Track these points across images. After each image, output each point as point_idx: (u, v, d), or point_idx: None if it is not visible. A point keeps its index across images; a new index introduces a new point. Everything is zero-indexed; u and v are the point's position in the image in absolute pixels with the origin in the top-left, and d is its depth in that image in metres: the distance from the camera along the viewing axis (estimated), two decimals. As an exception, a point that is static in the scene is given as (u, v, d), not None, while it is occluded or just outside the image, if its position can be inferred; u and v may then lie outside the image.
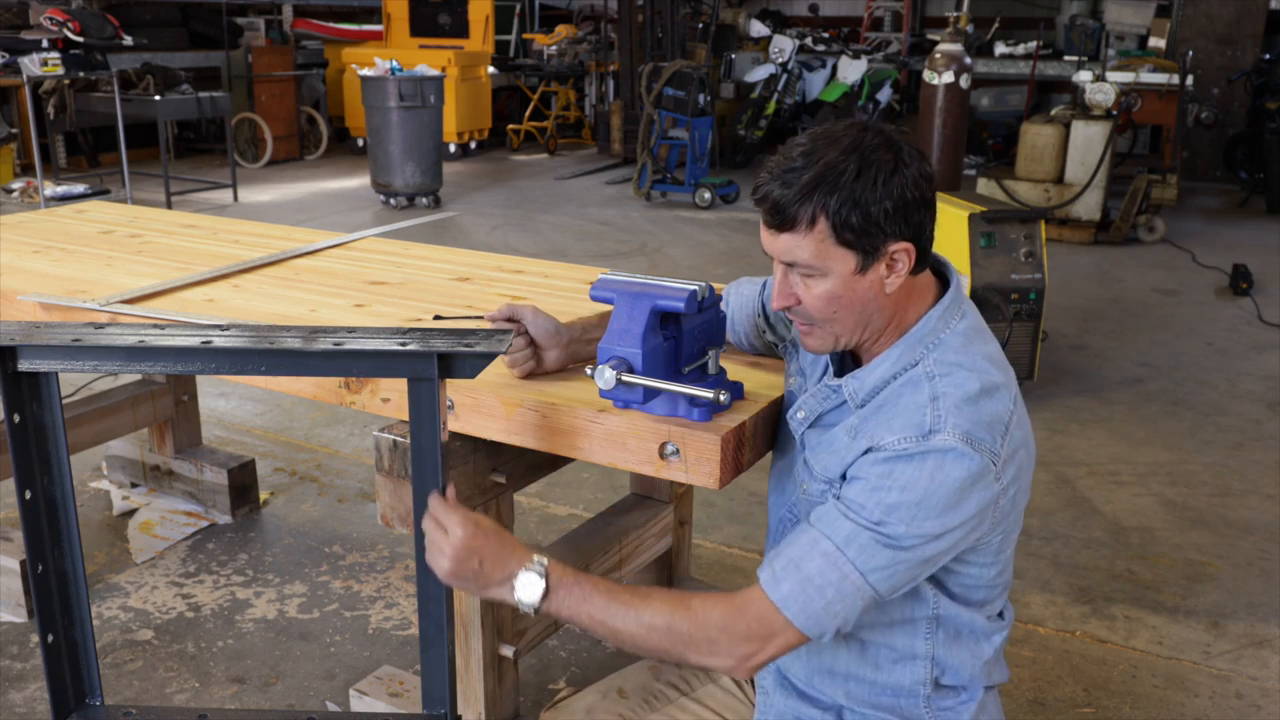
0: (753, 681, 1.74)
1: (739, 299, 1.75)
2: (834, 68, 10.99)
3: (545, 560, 1.37)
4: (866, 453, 1.35)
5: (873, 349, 1.44)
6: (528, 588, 1.36)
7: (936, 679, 1.49)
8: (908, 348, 1.39)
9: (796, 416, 1.51)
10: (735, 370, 1.71)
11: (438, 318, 2.07)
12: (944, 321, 1.41)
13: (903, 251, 1.35)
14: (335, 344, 1.40)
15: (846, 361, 1.51)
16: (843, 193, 1.29)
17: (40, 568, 1.48)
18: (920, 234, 1.36)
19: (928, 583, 1.43)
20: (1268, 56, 9.53)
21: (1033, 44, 10.74)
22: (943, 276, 1.47)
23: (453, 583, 1.40)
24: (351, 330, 1.45)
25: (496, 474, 1.84)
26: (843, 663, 1.52)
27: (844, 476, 1.38)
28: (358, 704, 2.25)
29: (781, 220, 1.32)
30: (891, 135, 1.34)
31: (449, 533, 1.38)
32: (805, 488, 1.47)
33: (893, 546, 1.31)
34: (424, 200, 8.54)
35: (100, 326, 1.44)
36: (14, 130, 9.04)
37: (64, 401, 1.50)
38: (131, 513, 3.34)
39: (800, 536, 1.35)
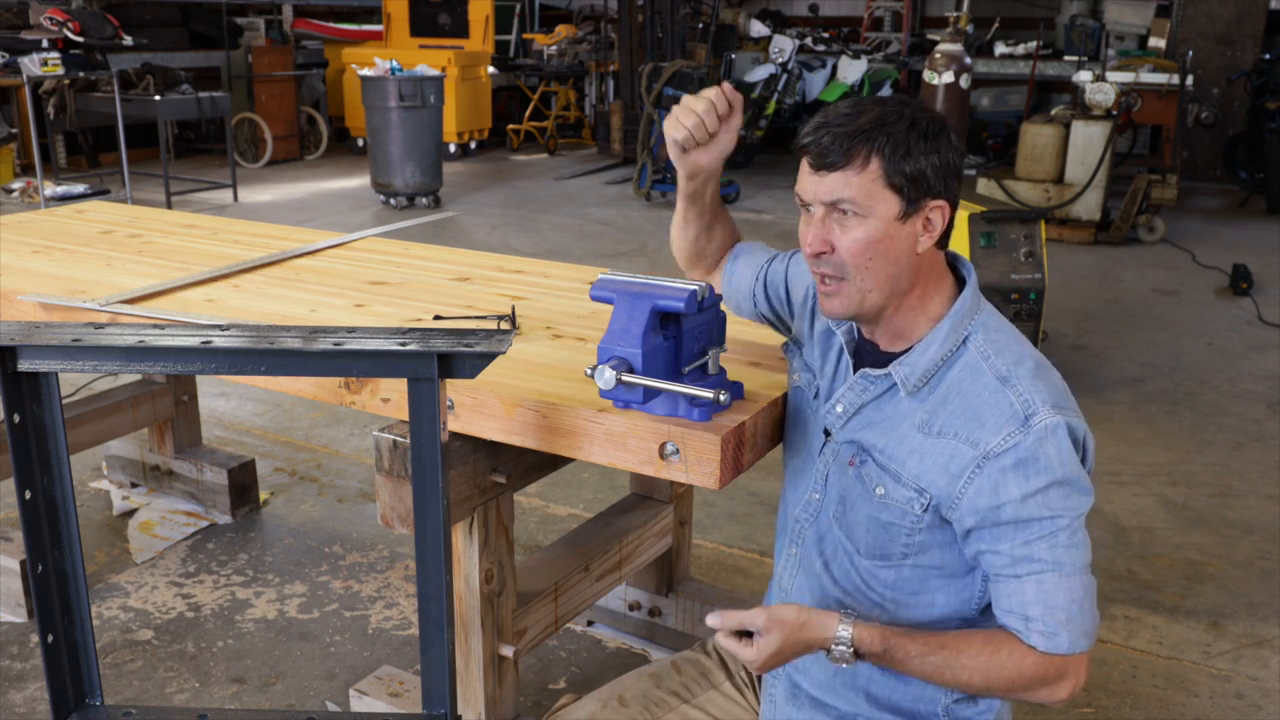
0: (755, 688, 1.74)
1: (747, 260, 1.78)
2: (834, 68, 11.00)
3: (849, 638, 1.38)
4: (979, 466, 1.36)
5: (894, 322, 1.44)
6: (839, 659, 1.39)
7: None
8: (952, 328, 1.42)
9: (835, 411, 1.50)
10: (735, 370, 1.71)
11: (438, 318, 2.07)
12: (976, 302, 1.46)
13: (939, 211, 1.40)
14: (335, 344, 1.39)
15: (862, 354, 1.51)
16: (896, 138, 1.35)
17: (40, 568, 1.48)
18: (953, 201, 1.41)
19: (983, 580, 1.46)
20: (1268, 56, 9.52)
21: (1033, 44, 10.74)
22: (956, 272, 1.50)
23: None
24: (351, 330, 1.45)
25: (496, 474, 1.84)
26: (865, 670, 1.52)
27: (952, 490, 1.39)
28: (358, 704, 2.25)
29: (834, 159, 1.36)
30: (932, 108, 1.42)
31: (743, 656, 1.40)
32: (882, 492, 1.45)
33: (1074, 526, 1.37)
34: (424, 200, 8.54)
35: (100, 326, 1.44)
36: (14, 130, 9.04)
37: (64, 401, 1.50)
38: (131, 513, 3.34)
39: (1024, 589, 1.37)
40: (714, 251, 1.81)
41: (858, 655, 1.38)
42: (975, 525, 1.38)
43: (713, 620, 1.40)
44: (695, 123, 1.58)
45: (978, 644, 1.39)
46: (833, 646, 1.38)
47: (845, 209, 1.37)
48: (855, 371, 1.50)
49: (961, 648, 1.38)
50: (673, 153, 1.63)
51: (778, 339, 1.91)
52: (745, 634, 1.40)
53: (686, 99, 1.59)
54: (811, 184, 1.40)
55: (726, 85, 1.60)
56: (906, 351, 1.45)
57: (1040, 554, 1.36)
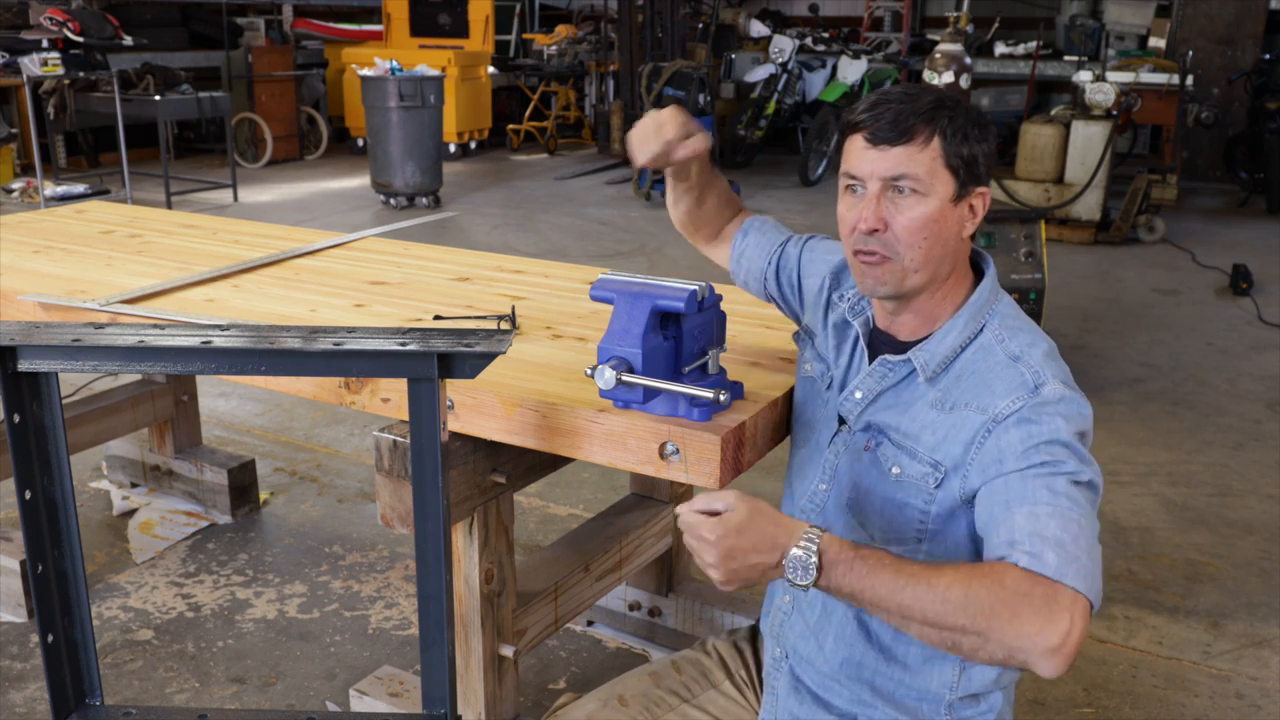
0: (755, 688, 1.74)
1: (758, 239, 1.78)
2: (834, 68, 10.99)
3: (817, 538, 1.24)
4: (989, 430, 1.35)
5: (925, 307, 1.46)
6: (798, 569, 1.24)
7: (962, 683, 1.49)
8: (970, 316, 1.44)
9: (853, 397, 1.50)
10: (735, 370, 1.71)
11: (438, 318, 2.07)
12: (995, 293, 1.48)
13: (981, 199, 1.43)
14: (335, 344, 1.39)
15: (877, 344, 1.52)
16: (957, 121, 1.38)
17: (40, 568, 1.48)
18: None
19: None
20: (1268, 56, 9.53)
21: (1033, 44, 10.74)
22: (974, 265, 1.52)
23: (730, 587, 1.29)
24: (351, 330, 1.45)
25: (496, 474, 1.84)
26: (870, 662, 1.52)
27: (965, 458, 1.38)
28: (358, 704, 2.25)
29: (899, 133, 1.37)
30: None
31: (703, 541, 1.25)
32: (898, 471, 1.44)
33: (1076, 480, 1.28)
34: (424, 200, 8.54)
35: (100, 326, 1.44)
36: (14, 130, 9.03)
37: (64, 401, 1.50)
38: (131, 513, 3.34)
39: (1014, 519, 1.25)
40: (709, 220, 1.81)
41: (820, 569, 1.23)
42: (981, 483, 1.36)
43: (682, 507, 1.29)
44: (656, 150, 1.57)
45: (954, 566, 1.27)
46: (799, 546, 1.23)
47: (905, 186, 1.38)
48: (871, 361, 1.51)
49: (941, 568, 1.24)
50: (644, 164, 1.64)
51: (778, 339, 1.91)
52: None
53: (638, 126, 1.60)
54: (869, 159, 1.39)
55: (677, 127, 1.58)
56: (925, 339, 1.46)
57: (1036, 490, 1.27)
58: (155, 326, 1.56)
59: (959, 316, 1.45)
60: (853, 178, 1.42)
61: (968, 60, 6.36)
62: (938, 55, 6.36)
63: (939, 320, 1.46)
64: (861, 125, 1.40)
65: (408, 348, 1.39)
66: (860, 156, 1.40)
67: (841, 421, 1.53)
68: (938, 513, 1.43)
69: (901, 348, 1.48)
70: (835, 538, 1.26)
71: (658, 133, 1.58)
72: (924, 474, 1.42)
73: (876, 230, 1.39)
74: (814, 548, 1.23)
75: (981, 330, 1.44)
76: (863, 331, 1.54)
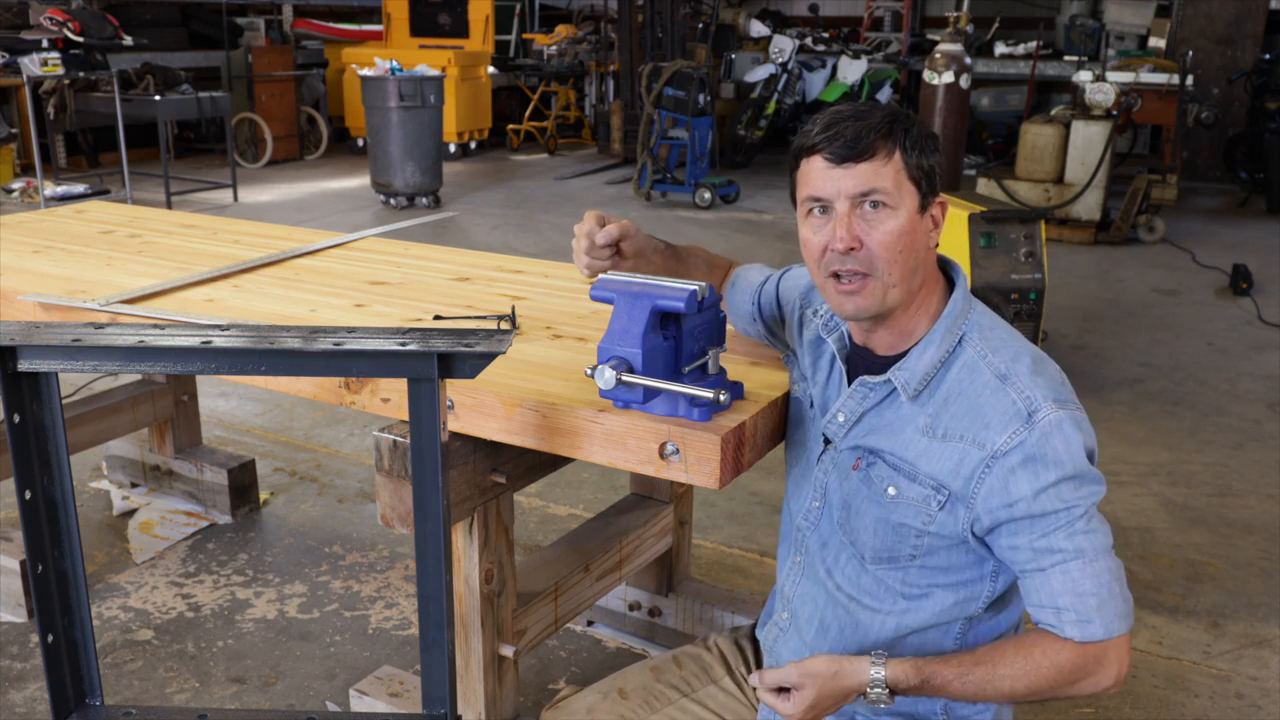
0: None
1: (744, 285, 1.79)
2: (834, 68, 11.00)
3: (883, 675, 1.38)
4: (988, 466, 1.36)
5: (901, 321, 1.44)
6: (873, 705, 1.40)
7: None
8: (947, 329, 1.43)
9: (836, 420, 1.50)
10: (735, 370, 1.71)
11: (438, 318, 2.07)
12: (968, 301, 1.47)
13: (940, 207, 1.44)
14: (335, 344, 1.39)
15: (855, 361, 1.52)
16: (913, 133, 1.39)
17: (40, 568, 1.48)
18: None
19: (989, 578, 1.47)
20: (1268, 56, 9.53)
21: (1033, 44, 10.75)
22: (946, 274, 1.50)
23: None
24: (351, 330, 1.45)
25: (496, 474, 1.84)
26: None
27: (965, 492, 1.39)
28: (358, 704, 2.25)
29: (860, 150, 1.36)
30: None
31: (782, 710, 1.42)
32: (894, 492, 1.44)
33: (1090, 513, 1.38)
34: (424, 200, 8.54)
35: (100, 326, 1.44)
36: (14, 130, 9.04)
37: (64, 401, 1.50)
38: (131, 513, 3.34)
39: (1051, 581, 1.37)
40: None
41: (894, 694, 1.38)
42: (992, 524, 1.38)
43: (754, 680, 1.45)
44: (585, 244, 1.71)
45: (1010, 650, 1.39)
46: (869, 690, 1.38)
47: (876, 201, 1.37)
48: (850, 379, 1.50)
49: (996, 659, 1.38)
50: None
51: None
52: (784, 689, 1.43)
53: (574, 242, 1.74)
54: (834, 179, 1.38)
55: (591, 223, 1.72)
56: (903, 355, 1.45)
57: (1060, 544, 1.35)
58: (155, 326, 1.56)
59: (935, 330, 1.43)
60: (817, 200, 1.40)
61: (968, 60, 6.37)
62: (938, 55, 6.36)
63: (915, 334, 1.45)
64: (819, 147, 1.38)
65: (408, 348, 1.39)
66: (823, 177, 1.39)
67: (828, 441, 1.53)
68: (936, 533, 1.43)
69: (880, 363, 1.47)
70: (899, 663, 1.39)
71: (579, 233, 1.72)
72: (925, 496, 1.42)
73: (853, 249, 1.37)
74: (883, 690, 1.38)
75: (961, 342, 1.43)
76: (838, 349, 1.53)
